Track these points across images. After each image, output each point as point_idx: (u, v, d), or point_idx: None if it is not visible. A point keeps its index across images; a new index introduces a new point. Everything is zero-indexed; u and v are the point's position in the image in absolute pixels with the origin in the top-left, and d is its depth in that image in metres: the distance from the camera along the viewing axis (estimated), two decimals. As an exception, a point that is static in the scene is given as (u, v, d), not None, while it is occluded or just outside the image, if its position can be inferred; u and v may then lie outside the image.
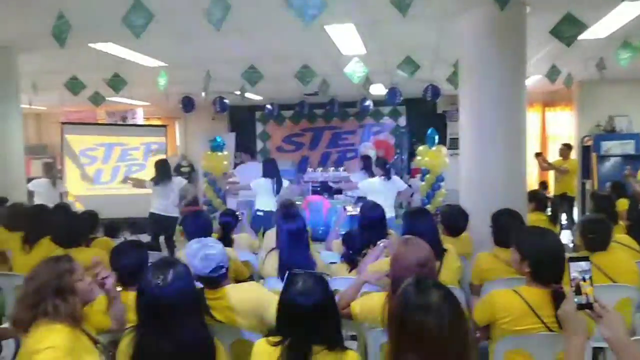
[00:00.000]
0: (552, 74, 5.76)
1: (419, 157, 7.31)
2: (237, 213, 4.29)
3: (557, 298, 1.92)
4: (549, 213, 4.59)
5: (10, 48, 5.22)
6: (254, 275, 3.53)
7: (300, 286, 1.81)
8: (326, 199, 8.15)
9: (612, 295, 2.63)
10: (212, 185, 7.53)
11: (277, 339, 1.80)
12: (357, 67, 5.35)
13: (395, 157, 10.80)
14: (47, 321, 1.79)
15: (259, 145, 12.08)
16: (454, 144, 8.65)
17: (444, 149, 7.16)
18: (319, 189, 9.06)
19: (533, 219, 4.27)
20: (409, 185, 8.63)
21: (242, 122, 11.91)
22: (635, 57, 4.96)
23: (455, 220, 3.68)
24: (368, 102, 9.70)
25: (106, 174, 9.40)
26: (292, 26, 3.62)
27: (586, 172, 8.50)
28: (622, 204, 4.63)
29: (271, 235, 3.74)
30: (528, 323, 2.03)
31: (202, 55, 6.00)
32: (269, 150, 11.92)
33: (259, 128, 12.13)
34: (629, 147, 8.13)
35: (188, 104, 8.79)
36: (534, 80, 7.79)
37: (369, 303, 2.27)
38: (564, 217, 6.94)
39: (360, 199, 6.23)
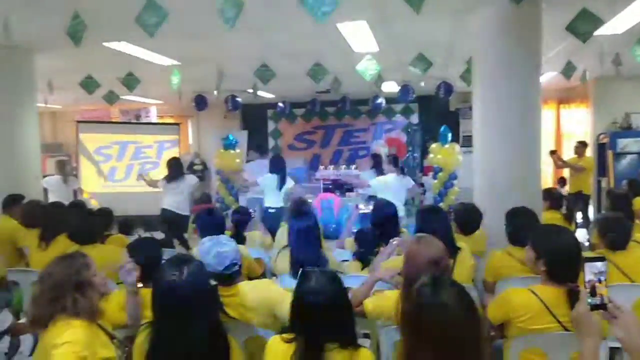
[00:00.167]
0: (568, 70, 5.67)
1: (431, 155, 7.27)
2: (250, 210, 4.31)
3: (573, 297, 1.89)
4: (564, 211, 4.53)
5: (28, 48, 5.29)
6: (266, 273, 3.55)
7: (313, 283, 1.81)
8: (338, 196, 8.15)
9: (629, 294, 2.60)
10: (224, 183, 7.56)
11: (290, 336, 1.81)
12: (370, 64, 5.33)
13: (408, 155, 10.75)
14: (65, 317, 1.82)
15: (271, 143, 12.12)
16: (466, 142, 8.60)
17: (456, 147, 7.11)
18: (330, 186, 9.06)
19: (548, 217, 4.22)
20: (421, 184, 8.61)
21: (254, 120, 11.96)
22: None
23: (469, 218, 3.65)
24: (380, 100, 9.66)
25: (120, 172, 9.51)
26: (304, 24, 3.61)
27: (602, 169, 8.39)
28: (639, 202, 4.56)
29: (283, 232, 3.75)
30: (543, 322, 2.02)
31: (215, 54, 6.03)
32: (281, 148, 11.95)
33: (271, 126, 12.16)
34: (646, 145, 8.02)
35: (201, 102, 8.84)
36: (548, 76, 7.69)
37: (382, 301, 2.26)
38: (579, 216, 6.85)
39: (372, 197, 6.23)
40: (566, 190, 7.74)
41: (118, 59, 5.77)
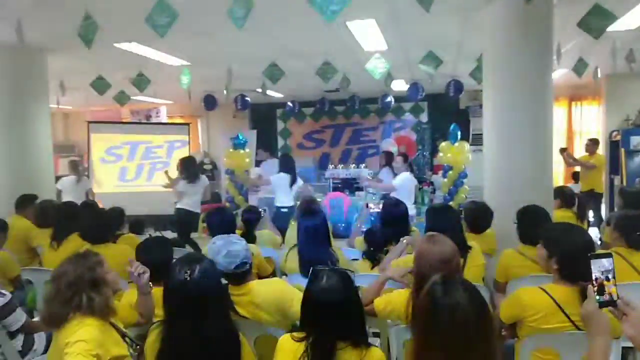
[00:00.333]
0: (580, 67, 5.60)
1: (441, 154, 7.23)
2: (260, 210, 4.32)
3: (585, 296, 1.87)
4: (576, 210, 4.49)
5: (40, 49, 5.35)
6: (276, 271, 3.55)
7: (324, 282, 1.81)
8: (347, 195, 8.15)
9: (643, 293, 2.56)
10: (234, 182, 7.59)
11: (301, 334, 1.81)
12: (379, 63, 5.32)
13: (417, 153, 10.71)
14: (79, 315, 1.84)
15: (280, 142, 12.14)
16: (476, 140, 8.54)
17: (466, 145, 7.07)
18: (340, 185, 9.06)
19: (559, 215, 4.18)
20: (431, 182, 8.59)
21: (263, 119, 11.98)
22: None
23: (480, 217, 3.62)
24: (389, 98, 9.61)
25: (131, 172, 9.58)
26: (313, 23, 3.61)
27: (615, 167, 8.28)
28: (653, 200, 4.49)
29: (293, 231, 3.75)
30: (556, 321, 2.00)
31: (224, 54, 6.05)
32: (290, 147, 11.96)
33: (280, 125, 12.18)
34: (659, 142, 7.90)
35: (210, 102, 8.88)
36: (560, 73, 7.61)
37: (393, 300, 2.26)
38: (590, 214, 6.77)
39: (385, 196, 6.25)
40: (579, 187, 7.66)
41: (128, 60, 5.82)
